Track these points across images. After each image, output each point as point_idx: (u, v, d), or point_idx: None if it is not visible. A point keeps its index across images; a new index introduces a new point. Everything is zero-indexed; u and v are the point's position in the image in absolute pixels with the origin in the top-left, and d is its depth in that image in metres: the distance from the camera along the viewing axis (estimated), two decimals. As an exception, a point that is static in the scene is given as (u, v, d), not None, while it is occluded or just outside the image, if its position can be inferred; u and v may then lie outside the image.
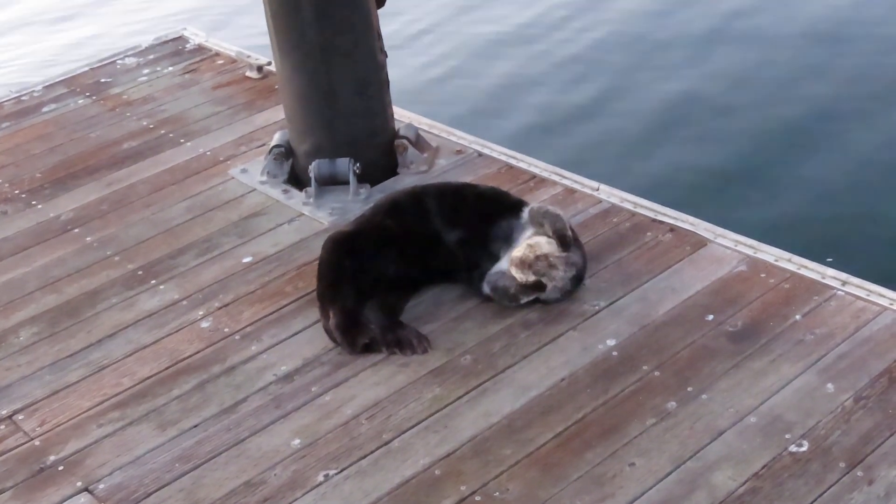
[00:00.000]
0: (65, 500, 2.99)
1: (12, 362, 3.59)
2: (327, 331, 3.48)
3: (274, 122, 5.00)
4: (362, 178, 4.34)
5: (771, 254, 3.64)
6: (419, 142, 4.54)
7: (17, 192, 4.75)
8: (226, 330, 3.62)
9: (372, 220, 3.70)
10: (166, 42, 6.14)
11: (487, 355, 3.34)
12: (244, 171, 4.64)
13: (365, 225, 3.69)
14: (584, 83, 7.43)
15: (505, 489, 2.83)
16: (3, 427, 3.29)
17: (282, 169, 4.50)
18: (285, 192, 4.42)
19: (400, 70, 6.32)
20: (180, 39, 6.16)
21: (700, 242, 3.76)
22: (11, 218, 4.54)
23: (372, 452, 3.01)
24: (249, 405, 3.26)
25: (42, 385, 3.46)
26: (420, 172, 4.42)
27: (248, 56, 5.74)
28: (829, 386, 3.05)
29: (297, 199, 4.35)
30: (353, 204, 4.24)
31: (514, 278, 3.45)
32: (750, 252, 3.67)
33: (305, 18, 4.15)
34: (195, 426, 3.20)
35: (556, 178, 4.27)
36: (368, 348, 3.40)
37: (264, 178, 4.51)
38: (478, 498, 2.82)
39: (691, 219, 3.89)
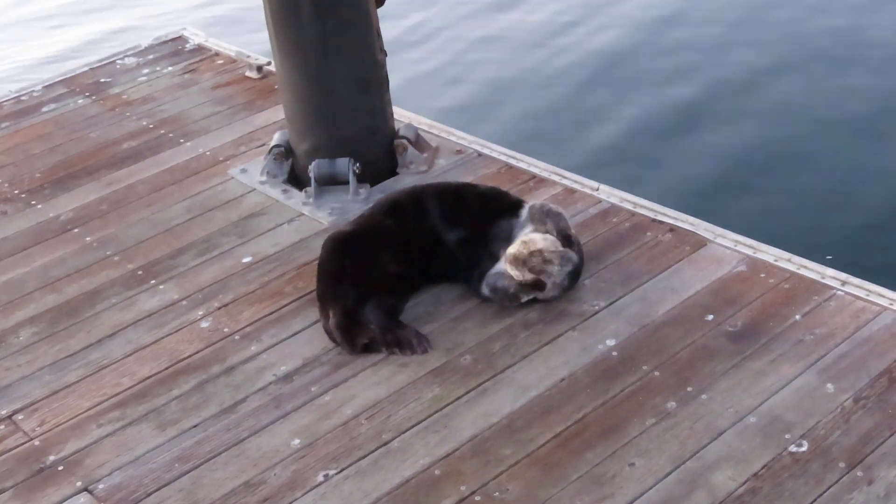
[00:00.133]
0: (65, 500, 2.99)
1: (12, 362, 3.59)
2: (327, 331, 3.48)
3: (274, 122, 5.00)
4: (362, 178, 4.34)
5: (771, 254, 3.64)
6: (419, 142, 4.54)
7: (16, 192, 4.75)
8: (225, 330, 3.62)
9: (372, 220, 3.69)
10: (166, 42, 6.14)
11: (487, 355, 3.34)
12: (244, 171, 4.64)
13: (365, 225, 3.69)
14: (590, 87, 7.41)
15: (505, 489, 2.83)
16: (2, 427, 3.29)
17: (281, 169, 4.50)
18: (285, 191, 4.42)
19: (401, 70, 6.31)
20: (180, 39, 6.15)
21: (700, 242, 3.76)
22: (11, 218, 4.54)
23: (372, 452, 3.01)
24: (249, 405, 3.26)
25: (42, 385, 3.46)
26: (420, 172, 4.42)
27: (248, 56, 5.74)
28: (829, 386, 3.05)
29: (297, 199, 4.35)
30: (353, 204, 4.23)
31: (512, 278, 3.45)
32: (750, 252, 3.66)
33: (305, 17, 4.15)
34: (195, 426, 3.20)
35: (556, 178, 4.27)
36: (368, 348, 3.40)
37: (264, 177, 4.51)
38: (478, 498, 2.82)
39: (691, 219, 3.89)
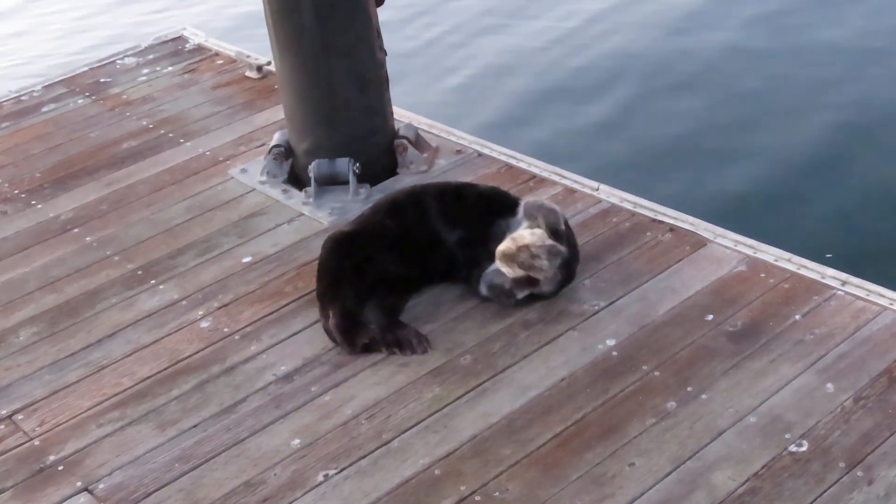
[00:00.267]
0: (64, 500, 2.99)
1: (12, 362, 3.59)
2: (327, 331, 3.48)
3: (274, 121, 5.00)
4: (362, 178, 4.34)
5: (771, 254, 3.64)
6: (419, 141, 4.54)
7: (16, 191, 4.75)
8: (225, 330, 3.62)
9: (372, 220, 3.69)
10: (166, 42, 6.14)
11: (487, 355, 3.34)
12: (244, 170, 4.63)
13: (365, 225, 3.69)
14: (602, 95, 7.38)
15: (505, 489, 2.83)
16: (2, 427, 3.29)
17: (281, 169, 4.49)
18: (285, 191, 4.42)
19: (402, 71, 6.28)
20: (180, 39, 6.15)
21: (700, 242, 3.76)
22: (11, 218, 4.54)
23: (372, 452, 3.01)
24: (249, 405, 3.26)
25: (42, 385, 3.46)
26: (420, 172, 4.42)
27: (248, 56, 5.74)
28: (829, 386, 3.05)
29: (297, 199, 4.35)
30: (353, 204, 4.23)
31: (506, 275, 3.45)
32: (750, 252, 3.66)
33: (305, 17, 4.15)
34: (195, 426, 3.20)
35: (556, 178, 4.27)
36: (368, 348, 3.40)
37: (264, 177, 4.51)
38: (477, 498, 2.82)
39: (691, 219, 3.89)
